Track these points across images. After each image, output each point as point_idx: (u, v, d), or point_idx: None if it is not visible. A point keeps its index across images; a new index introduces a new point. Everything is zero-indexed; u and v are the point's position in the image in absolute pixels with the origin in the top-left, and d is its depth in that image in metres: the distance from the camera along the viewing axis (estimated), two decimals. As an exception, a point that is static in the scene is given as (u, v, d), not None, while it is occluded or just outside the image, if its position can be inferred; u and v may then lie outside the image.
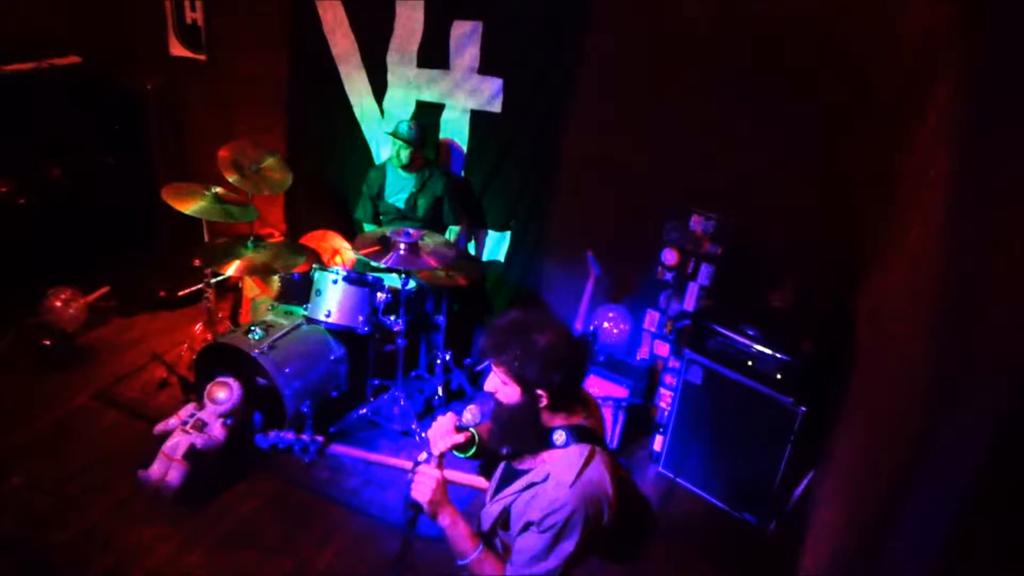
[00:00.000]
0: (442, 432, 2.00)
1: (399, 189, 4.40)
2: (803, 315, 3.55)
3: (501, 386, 1.86)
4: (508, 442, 1.94)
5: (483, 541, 1.92)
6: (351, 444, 3.86)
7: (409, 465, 2.02)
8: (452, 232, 4.45)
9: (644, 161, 4.04)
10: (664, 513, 3.58)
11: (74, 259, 4.78)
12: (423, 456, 2.00)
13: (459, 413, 2.00)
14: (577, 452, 1.83)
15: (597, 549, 1.87)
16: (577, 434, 1.85)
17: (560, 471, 1.80)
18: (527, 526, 1.79)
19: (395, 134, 4.20)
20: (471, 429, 2.03)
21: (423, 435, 3.95)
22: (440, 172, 4.43)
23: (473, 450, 2.07)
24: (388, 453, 3.84)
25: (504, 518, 1.88)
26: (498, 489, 1.97)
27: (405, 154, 4.21)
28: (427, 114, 4.58)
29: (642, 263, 4.11)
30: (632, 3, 3.86)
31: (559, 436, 1.85)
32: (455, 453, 2.06)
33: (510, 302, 4.67)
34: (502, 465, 2.04)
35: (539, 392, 1.82)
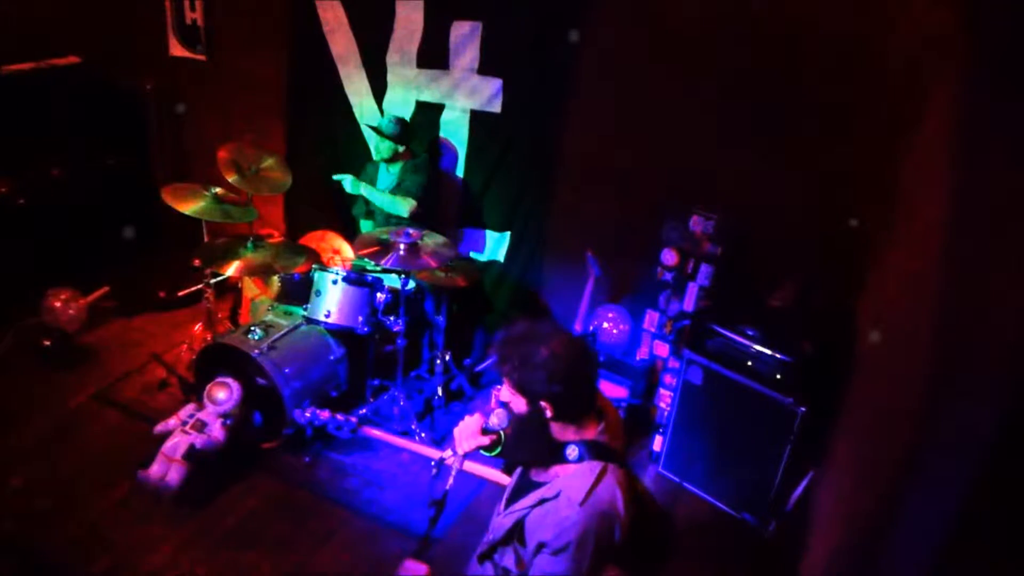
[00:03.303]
0: (468, 433, 2.01)
1: (384, 184, 4.41)
2: (803, 315, 3.55)
3: (511, 397, 1.87)
4: (521, 451, 1.95)
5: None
6: (353, 445, 3.85)
7: (436, 454, 2.04)
8: (395, 199, 4.18)
9: (644, 161, 4.04)
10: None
11: (74, 259, 4.77)
12: (447, 453, 2.02)
13: (485, 414, 2.01)
14: (589, 469, 1.82)
15: (614, 564, 1.86)
16: (591, 450, 1.85)
17: (571, 488, 1.80)
18: (540, 547, 1.79)
19: (374, 128, 4.25)
20: (498, 431, 2.04)
21: (422, 435, 3.95)
22: (422, 165, 4.36)
23: (499, 449, 2.07)
24: (392, 452, 3.83)
25: (519, 531, 1.88)
26: (512, 499, 1.97)
27: (383, 148, 4.25)
28: (427, 114, 4.58)
29: (642, 263, 4.11)
30: (632, 3, 3.87)
31: (572, 451, 1.85)
32: (482, 452, 2.06)
33: (510, 302, 4.67)
34: (519, 472, 2.04)
35: (542, 404, 1.82)
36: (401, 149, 4.30)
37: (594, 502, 1.77)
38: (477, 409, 2.03)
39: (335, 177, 4.29)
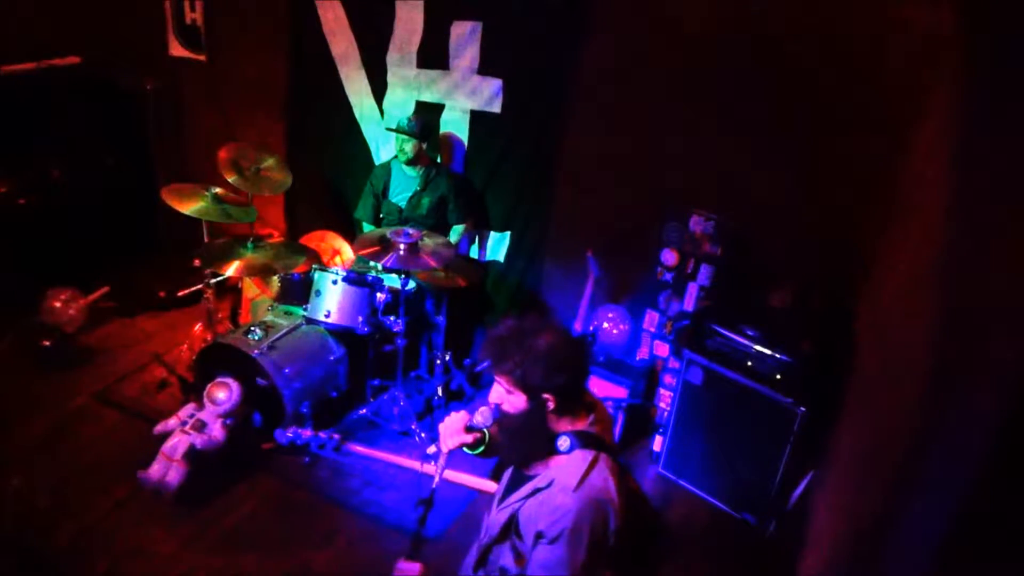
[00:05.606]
0: (452, 430, 2.01)
1: (403, 188, 4.40)
2: (803, 315, 3.55)
3: (506, 395, 1.86)
4: (517, 450, 1.95)
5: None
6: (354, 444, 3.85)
7: (427, 469, 2.05)
8: (456, 232, 4.45)
9: (644, 161, 4.04)
10: (664, 514, 3.58)
11: (74, 259, 4.77)
12: (432, 450, 2.03)
13: (471, 412, 2.01)
14: (581, 457, 1.83)
15: (609, 561, 1.86)
16: (582, 439, 1.85)
17: (564, 476, 1.80)
18: (538, 537, 1.78)
19: (396, 129, 4.22)
20: (482, 429, 2.04)
21: (422, 435, 3.95)
22: (446, 172, 4.44)
23: (482, 448, 2.07)
24: (392, 452, 3.83)
25: (514, 525, 1.88)
26: (505, 495, 1.97)
27: (408, 147, 4.21)
28: (427, 115, 4.57)
29: (642, 263, 4.11)
30: (632, 3, 3.86)
31: (563, 442, 1.85)
32: (464, 450, 2.06)
33: (510, 302, 4.67)
34: (510, 469, 2.04)
35: (545, 396, 1.82)
36: (425, 147, 4.31)
37: (588, 488, 1.77)
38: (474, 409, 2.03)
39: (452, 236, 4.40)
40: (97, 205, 5.10)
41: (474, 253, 4.78)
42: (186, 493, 3.34)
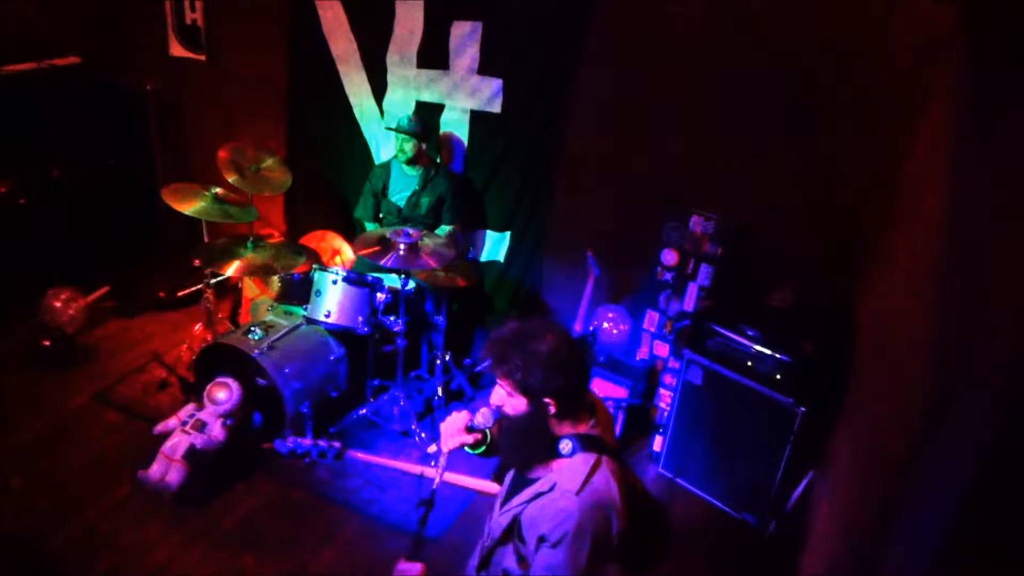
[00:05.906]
0: (453, 430, 2.01)
1: (402, 187, 4.41)
2: (803, 315, 3.55)
3: (507, 398, 1.86)
4: (518, 454, 1.94)
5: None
6: (352, 445, 3.84)
7: (428, 472, 2.05)
8: (441, 232, 4.43)
9: (644, 161, 4.04)
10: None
11: (74, 259, 4.77)
12: (432, 449, 2.02)
13: (472, 412, 2.01)
14: (583, 460, 1.82)
15: (615, 558, 1.86)
16: (583, 443, 1.85)
17: (566, 480, 1.79)
18: (540, 541, 1.78)
19: (396, 128, 4.23)
20: (482, 430, 2.04)
21: (422, 435, 3.94)
22: (445, 172, 4.44)
23: (483, 448, 2.07)
24: (388, 453, 3.83)
25: (516, 529, 1.88)
26: (507, 498, 1.97)
27: (408, 147, 4.22)
28: (427, 115, 4.58)
29: (642, 263, 4.11)
30: (632, 3, 3.87)
31: (565, 445, 1.84)
32: (466, 450, 2.06)
33: (510, 302, 4.67)
34: (512, 472, 2.04)
35: (546, 400, 1.81)
36: (425, 146, 4.32)
37: (590, 491, 1.77)
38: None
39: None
40: (97, 205, 5.10)
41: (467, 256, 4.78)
42: (186, 493, 3.34)
